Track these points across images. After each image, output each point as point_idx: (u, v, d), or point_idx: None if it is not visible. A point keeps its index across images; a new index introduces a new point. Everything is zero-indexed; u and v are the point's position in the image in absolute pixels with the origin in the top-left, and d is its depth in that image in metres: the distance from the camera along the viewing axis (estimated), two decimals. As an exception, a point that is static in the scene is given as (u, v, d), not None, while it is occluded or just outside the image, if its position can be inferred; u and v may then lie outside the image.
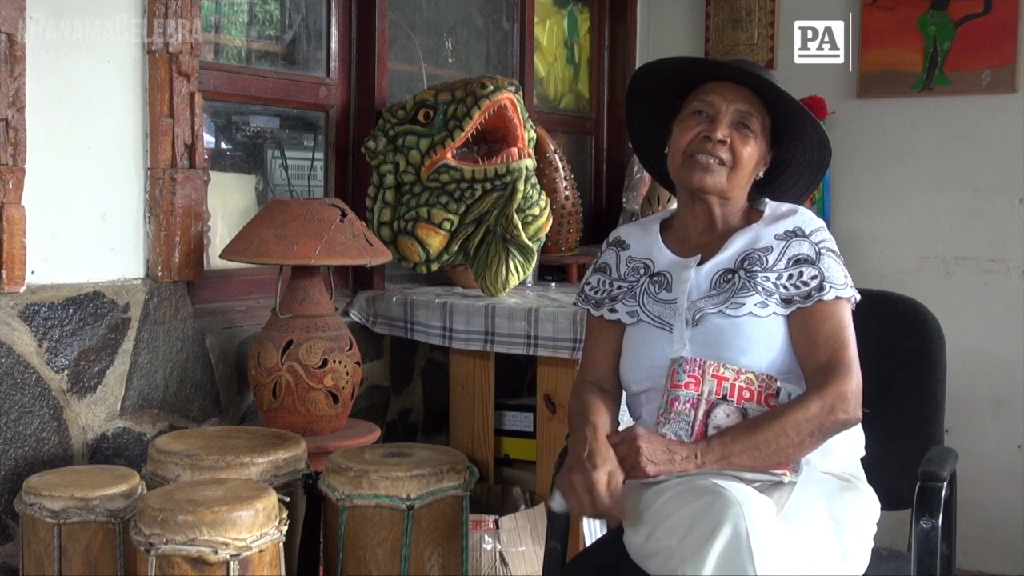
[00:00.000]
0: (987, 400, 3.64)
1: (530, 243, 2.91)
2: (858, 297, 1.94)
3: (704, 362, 1.84)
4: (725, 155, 1.93)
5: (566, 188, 3.43)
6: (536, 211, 2.93)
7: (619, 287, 2.05)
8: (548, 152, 3.39)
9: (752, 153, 1.94)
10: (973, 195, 3.70)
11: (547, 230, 3.03)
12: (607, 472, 1.76)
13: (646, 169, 2.23)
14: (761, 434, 1.78)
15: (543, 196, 2.99)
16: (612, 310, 2.03)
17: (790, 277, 1.90)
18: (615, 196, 4.06)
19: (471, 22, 3.63)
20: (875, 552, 1.89)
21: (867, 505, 1.89)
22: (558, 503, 1.85)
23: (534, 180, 2.93)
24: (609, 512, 1.76)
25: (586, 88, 4.24)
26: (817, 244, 1.93)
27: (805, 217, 1.97)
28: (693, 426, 1.81)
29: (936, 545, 1.73)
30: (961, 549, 2.20)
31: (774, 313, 1.89)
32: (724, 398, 1.82)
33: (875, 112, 3.79)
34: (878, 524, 1.90)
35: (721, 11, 4.09)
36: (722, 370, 1.83)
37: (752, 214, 2.02)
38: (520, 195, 2.79)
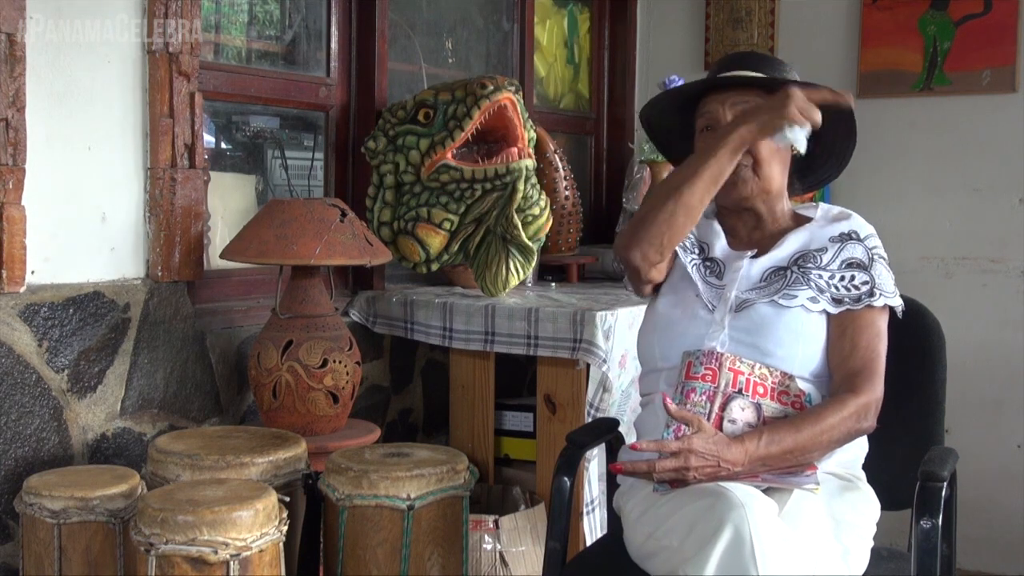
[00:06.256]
0: (987, 400, 3.64)
1: (530, 243, 2.91)
2: (903, 306, 1.96)
3: (721, 355, 1.85)
4: (745, 160, 1.94)
5: (566, 188, 3.43)
6: (536, 211, 2.92)
7: None
8: (548, 152, 3.38)
9: (770, 144, 1.94)
10: (973, 195, 3.70)
11: (547, 230, 3.03)
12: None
13: None
14: (802, 438, 1.79)
15: (543, 196, 2.99)
16: None
17: (842, 279, 1.93)
18: (615, 196, 4.06)
19: (471, 22, 3.63)
20: (875, 552, 1.89)
21: (867, 505, 1.90)
22: (798, 135, 1.86)
23: (534, 180, 2.93)
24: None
25: (586, 88, 4.24)
26: (871, 249, 1.96)
27: (859, 222, 2.01)
28: (709, 418, 1.81)
29: (936, 545, 1.73)
30: (961, 549, 2.19)
31: (823, 310, 1.91)
32: (740, 392, 1.83)
33: (875, 112, 3.78)
34: (878, 524, 1.91)
35: (721, 11, 4.09)
36: (738, 364, 1.84)
37: (801, 219, 2.04)
38: (520, 195, 2.79)
